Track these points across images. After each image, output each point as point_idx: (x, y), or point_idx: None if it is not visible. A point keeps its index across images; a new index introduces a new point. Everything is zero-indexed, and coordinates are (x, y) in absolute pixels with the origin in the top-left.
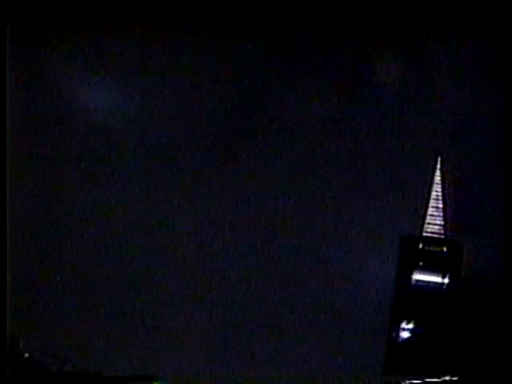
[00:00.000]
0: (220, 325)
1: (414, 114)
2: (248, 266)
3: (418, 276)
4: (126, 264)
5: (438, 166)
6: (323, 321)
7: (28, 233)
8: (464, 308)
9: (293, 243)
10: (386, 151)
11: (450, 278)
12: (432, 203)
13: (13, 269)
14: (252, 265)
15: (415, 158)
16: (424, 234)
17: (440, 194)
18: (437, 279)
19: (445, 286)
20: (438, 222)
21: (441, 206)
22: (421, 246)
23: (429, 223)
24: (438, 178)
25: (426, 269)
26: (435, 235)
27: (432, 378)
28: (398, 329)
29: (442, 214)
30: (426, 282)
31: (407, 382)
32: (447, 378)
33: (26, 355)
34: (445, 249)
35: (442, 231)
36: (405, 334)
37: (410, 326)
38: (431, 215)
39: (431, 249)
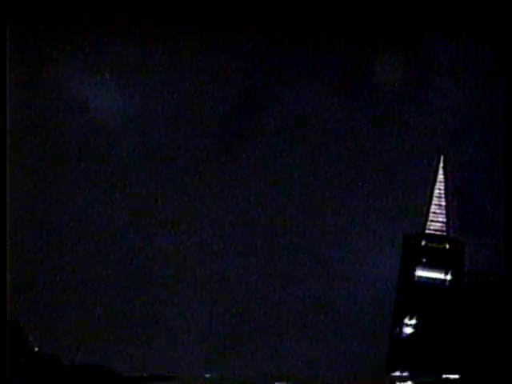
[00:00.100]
0: (220, 325)
1: (414, 114)
2: (248, 266)
3: (420, 272)
4: (126, 264)
5: (441, 165)
6: (324, 320)
7: (28, 233)
8: (466, 304)
9: (293, 243)
10: (387, 151)
11: (452, 275)
12: (435, 201)
13: (13, 269)
14: (252, 265)
15: (416, 157)
16: (427, 232)
17: (442, 192)
18: (439, 276)
19: (447, 283)
20: (441, 220)
21: (443, 203)
22: (423, 243)
23: (431, 221)
24: (440, 177)
25: (429, 265)
26: (438, 232)
27: (433, 375)
28: (401, 324)
29: (444, 212)
30: (428, 278)
31: (408, 382)
32: (449, 376)
33: (36, 349)
34: (447, 246)
35: (445, 229)
36: (407, 330)
37: (413, 321)
38: (434, 213)
39: (434, 246)
